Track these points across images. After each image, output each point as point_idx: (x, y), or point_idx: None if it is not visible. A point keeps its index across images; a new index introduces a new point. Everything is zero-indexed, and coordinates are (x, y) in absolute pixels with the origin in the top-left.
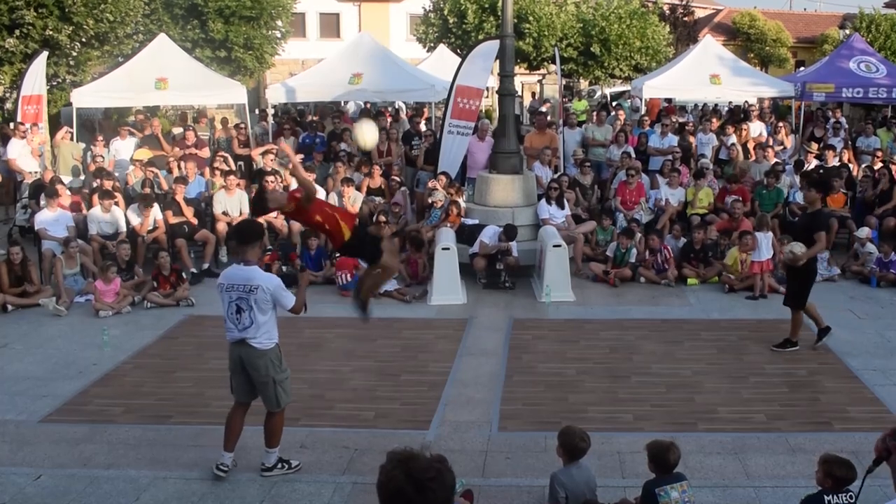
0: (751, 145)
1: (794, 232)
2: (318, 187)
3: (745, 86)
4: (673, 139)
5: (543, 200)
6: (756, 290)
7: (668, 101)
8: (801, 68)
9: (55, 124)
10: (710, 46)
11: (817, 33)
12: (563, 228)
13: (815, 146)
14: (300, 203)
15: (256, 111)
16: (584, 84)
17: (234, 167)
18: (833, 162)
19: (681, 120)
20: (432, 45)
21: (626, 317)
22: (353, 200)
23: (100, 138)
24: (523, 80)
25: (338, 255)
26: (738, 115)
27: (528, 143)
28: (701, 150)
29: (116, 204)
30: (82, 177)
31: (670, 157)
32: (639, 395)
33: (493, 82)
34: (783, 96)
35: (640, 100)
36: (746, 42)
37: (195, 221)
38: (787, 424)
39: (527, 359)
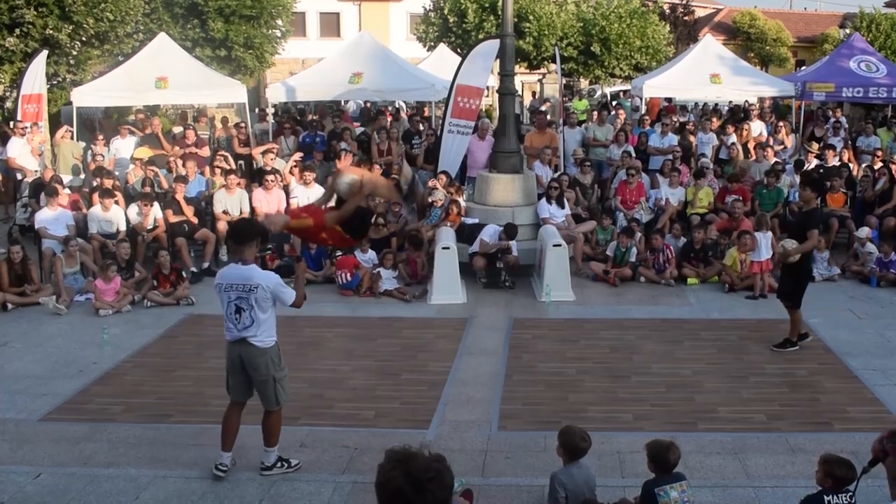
0: (751, 145)
1: (790, 230)
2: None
3: (746, 85)
4: (673, 138)
5: (543, 200)
6: (756, 290)
7: (669, 100)
8: (802, 68)
9: (55, 123)
10: (710, 46)
11: (817, 33)
12: (564, 228)
13: (815, 146)
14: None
15: (256, 110)
16: (584, 83)
17: (234, 166)
18: (833, 161)
19: (682, 119)
20: (432, 44)
21: (626, 316)
22: None
23: (100, 137)
24: (523, 80)
25: (339, 254)
26: (738, 115)
27: (529, 143)
28: (701, 150)
29: (116, 203)
30: (82, 176)
31: (670, 156)
32: (639, 395)
33: (494, 81)
34: (783, 96)
35: (641, 99)
36: (747, 41)
37: (195, 220)
38: (787, 424)
39: (527, 358)
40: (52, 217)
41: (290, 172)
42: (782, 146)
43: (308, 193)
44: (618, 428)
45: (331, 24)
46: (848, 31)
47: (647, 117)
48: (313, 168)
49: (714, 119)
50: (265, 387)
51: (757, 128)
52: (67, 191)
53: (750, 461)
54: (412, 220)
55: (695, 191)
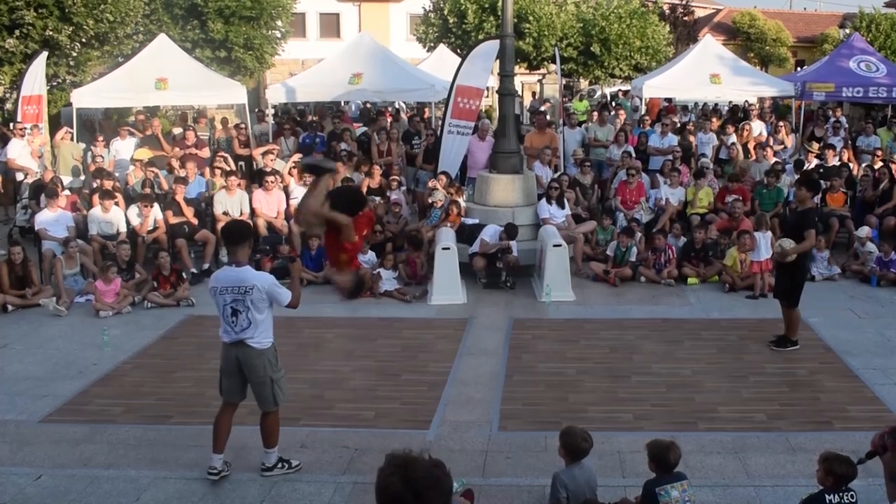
0: (751, 145)
1: (786, 229)
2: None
3: (746, 85)
4: (673, 139)
5: (544, 200)
6: (756, 290)
7: (669, 100)
8: (801, 68)
9: (55, 124)
10: (710, 46)
11: (817, 33)
12: (564, 228)
13: (815, 145)
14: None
15: (256, 111)
16: (584, 84)
17: (233, 167)
18: (833, 161)
19: (683, 119)
20: (432, 45)
21: (627, 316)
22: None
23: (100, 138)
24: (523, 80)
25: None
26: (737, 115)
27: (529, 143)
28: (701, 150)
29: (117, 204)
30: (82, 177)
31: (671, 156)
32: (639, 395)
33: (494, 82)
34: (783, 96)
35: (640, 99)
36: (746, 41)
37: (195, 221)
38: (787, 424)
39: (527, 358)
40: (52, 218)
41: (290, 173)
42: (782, 146)
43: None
44: (618, 428)
45: (331, 24)
46: (848, 31)
47: (647, 117)
48: None
49: (714, 119)
50: (263, 388)
51: (757, 128)
52: (67, 192)
53: (750, 460)
54: (412, 220)
55: (695, 191)
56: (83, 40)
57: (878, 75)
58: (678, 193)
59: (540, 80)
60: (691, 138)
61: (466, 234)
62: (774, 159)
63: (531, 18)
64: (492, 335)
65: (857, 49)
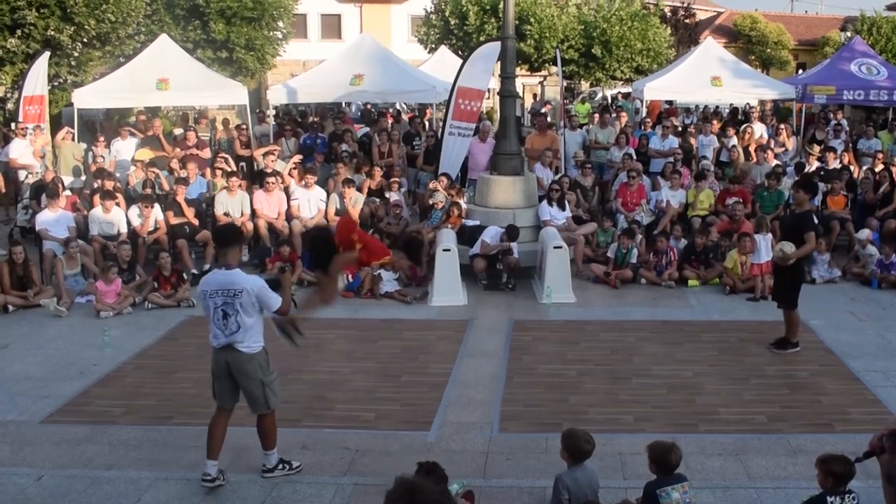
0: (752, 147)
1: (784, 232)
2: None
3: (747, 88)
4: (674, 141)
5: (545, 202)
6: (756, 292)
7: (670, 103)
8: (803, 70)
9: (56, 125)
10: (711, 48)
11: (818, 36)
12: (564, 230)
13: (816, 148)
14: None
15: (257, 112)
16: (585, 86)
17: (234, 168)
18: (834, 164)
19: (686, 122)
20: (433, 46)
21: (627, 318)
22: (355, 201)
23: (101, 139)
24: (524, 82)
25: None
26: (737, 118)
27: (530, 145)
28: (702, 152)
29: (117, 205)
30: (83, 177)
31: (671, 158)
32: (640, 397)
33: (495, 84)
34: (784, 98)
35: (641, 102)
36: (747, 44)
37: (196, 222)
38: (788, 426)
39: (527, 360)
40: (53, 219)
41: (290, 174)
42: (783, 149)
43: (308, 195)
44: (619, 430)
45: (332, 25)
46: (849, 34)
47: (648, 119)
48: (315, 170)
49: (715, 121)
50: (254, 392)
51: (758, 130)
52: (68, 192)
53: (751, 462)
54: (413, 221)
55: (696, 193)
56: (84, 40)
57: (879, 78)
58: (679, 196)
59: (541, 82)
60: (692, 140)
61: (467, 236)
62: (775, 162)
63: (532, 20)
64: (492, 337)
65: (859, 52)
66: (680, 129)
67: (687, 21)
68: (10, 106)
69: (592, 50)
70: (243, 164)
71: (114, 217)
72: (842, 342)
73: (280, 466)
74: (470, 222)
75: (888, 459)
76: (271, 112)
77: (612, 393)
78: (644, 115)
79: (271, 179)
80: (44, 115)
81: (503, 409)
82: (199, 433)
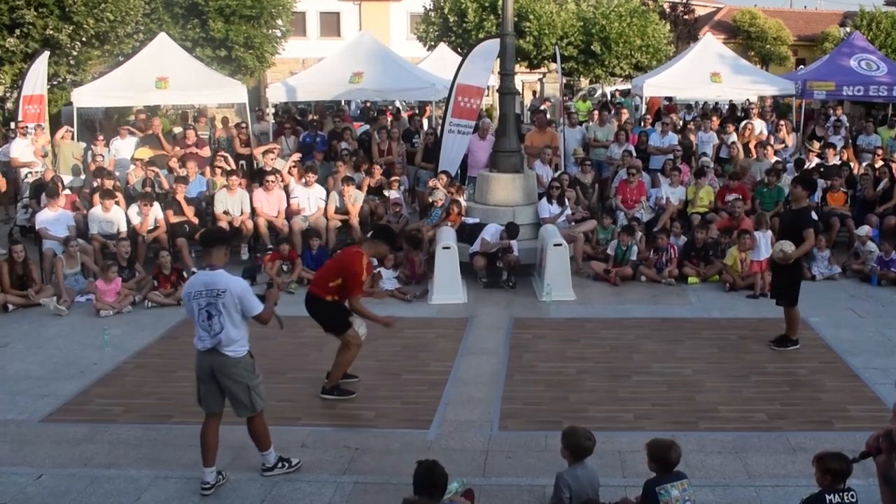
0: (752, 144)
1: (782, 228)
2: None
3: (746, 84)
4: (673, 138)
5: (544, 199)
6: (756, 289)
7: (669, 99)
8: (802, 66)
9: (56, 124)
10: (710, 45)
11: (818, 31)
12: (564, 227)
13: (816, 144)
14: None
15: (256, 110)
16: (584, 82)
17: (234, 166)
18: (834, 160)
19: (687, 118)
20: (433, 43)
21: (627, 316)
22: (354, 199)
23: (100, 137)
24: (524, 79)
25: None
26: (735, 114)
27: (529, 142)
28: (702, 149)
29: (117, 203)
30: (83, 176)
31: (671, 155)
32: (639, 395)
33: (494, 81)
34: (784, 94)
35: (641, 98)
36: (747, 40)
37: (196, 221)
38: (787, 423)
39: (527, 358)
40: (53, 218)
41: (290, 173)
42: (783, 145)
43: (308, 193)
44: (619, 427)
45: (331, 23)
46: (848, 29)
47: (647, 116)
48: (315, 169)
49: (714, 118)
50: (240, 395)
51: (758, 127)
52: (67, 191)
53: (751, 460)
54: (413, 219)
55: (695, 190)
56: (83, 39)
57: (878, 74)
58: (679, 192)
59: (540, 79)
60: (692, 137)
61: (467, 234)
62: (775, 158)
63: (531, 17)
64: (492, 334)
65: (858, 47)
66: (679, 125)
67: (686, 17)
68: (9, 105)
69: (592, 46)
70: (243, 162)
71: (113, 216)
72: (842, 339)
73: (279, 465)
74: (470, 220)
75: (884, 460)
76: (270, 110)
77: (612, 391)
78: (643, 111)
79: (271, 178)
80: (43, 115)
81: (503, 407)
82: (198, 432)
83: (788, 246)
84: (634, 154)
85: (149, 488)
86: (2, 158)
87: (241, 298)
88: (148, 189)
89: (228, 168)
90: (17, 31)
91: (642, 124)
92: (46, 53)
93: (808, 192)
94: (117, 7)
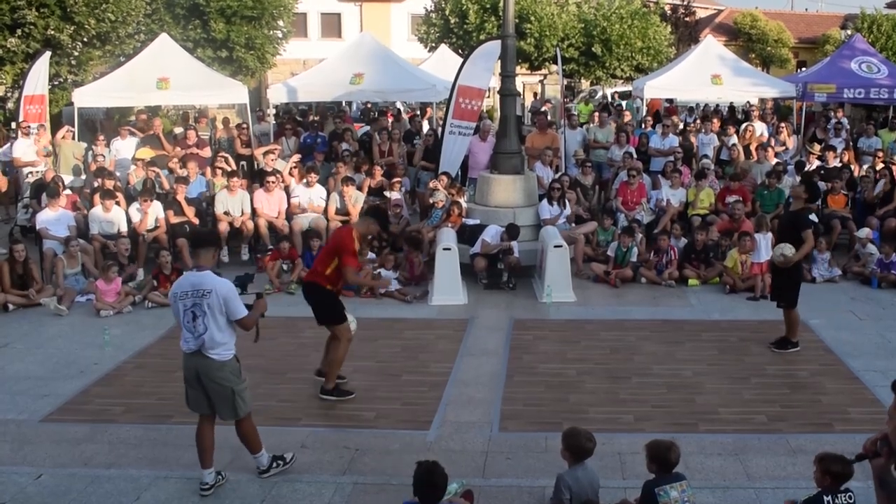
0: (753, 146)
1: (780, 229)
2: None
3: (747, 86)
4: (674, 140)
5: (545, 201)
6: (757, 291)
7: (670, 101)
8: (803, 69)
9: (56, 124)
10: (711, 47)
11: (819, 34)
12: (564, 230)
13: (816, 147)
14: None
15: (257, 111)
16: (585, 84)
17: (234, 167)
18: (834, 163)
19: (688, 120)
20: (434, 45)
21: (627, 317)
22: (354, 200)
23: (101, 138)
24: (525, 81)
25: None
26: (735, 116)
27: (530, 144)
28: (702, 151)
29: (118, 204)
30: (83, 176)
31: (671, 157)
32: (639, 396)
33: (495, 82)
34: (784, 97)
35: (641, 100)
36: (748, 42)
37: (196, 221)
38: (787, 425)
39: (527, 359)
40: (54, 218)
41: (290, 173)
42: (784, 147)
43: (310, 194)
44: (619, 429)
45: (332, 24)
46: (849, 31)
47: (648, 118)
48: (317, 169)
49: (715, 120)
50: (224, 398)
51: (758, 129)
52: (68, 191)
53: (751, 462)
54: (413, 220)
55: (696, 192)
56: (85, 40)
57: (879, 76)
58: (679, 194)
59: (541, 81)
60: (692, 139)
61: (467, 235)
62: (776, 160)
63: (532, 19)
64: (492, 336)
65: (859, 50)
66: (680, 127)
67: (687, 19)
68: (10, 105)
69: (593, 48)
70: (243, 163)
71: (114, 216)
72: (842, 341)
73: (274, 464)
74: (470, 221)
75: (882, 464)
76: (271, 111)
77: (612, 392)
78: (644, 113)
79: (271, 178)
80: (44, 115)
81: (503, 408)
82: None
83: (788, 249)
84: (635, 156)
85: (149, 488)
86: (2, 158)
87: (226, 300)
88: (148, 187)
89: (229, 169)
90: (19, 32)
91: (643, 126)
92: (48, 54)
93: (808, 195)
94: (118, 7)
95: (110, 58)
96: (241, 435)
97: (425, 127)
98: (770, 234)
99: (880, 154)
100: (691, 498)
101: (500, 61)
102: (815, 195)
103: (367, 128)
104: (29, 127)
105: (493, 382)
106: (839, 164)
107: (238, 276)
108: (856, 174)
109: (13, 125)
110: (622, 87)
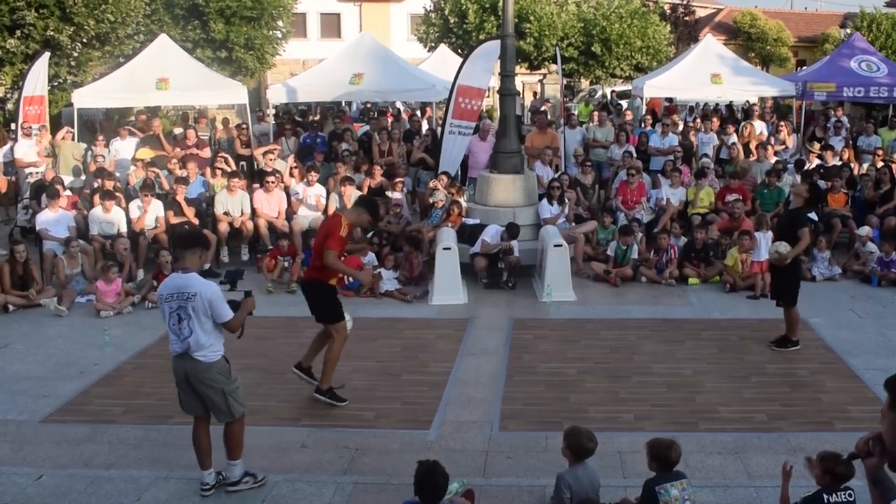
0: (752, 145)
1: (779, 229)
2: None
3: (746, 85)
4: (674, 139)
5: (545, 200)
6: (757, 290)
7: (670, 100)
8: (802, 67)
9: (56, 125)
10: (710, 46)
11: (818, 32)
12: (564, 229)
13: (816, 146)
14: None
15: (256, 111)
16: (584, 83)
17: (234, 167)
18: (833, 161)
19: (688, 119)
20: (433, 44)
21: (627, 316)
22: (354, 200)
23: (100, 138)
24: (524, 80)
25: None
26: (734, 115)
27: (529, 143)
28: (702, 150)
29: (118, 204)
30: (83, 177)
31: (671, 156)
32: (640, 395)
33: (495, 82)
34: (784, 96)
35: (641, 99)
36: (747, 41)
37: (196, 221)
38: (788, 424)
39: (528, 358)
40: (53, 218)
41: (290, 174)
42: (783, 146)
43: (310, 192)
44: (619, 428)
45: (331, 24)
46: (849, 30)
47: (648, 117)
48: (318, 169)
49: (715, 119)
50: (215, 400)
51: (758, 128)
52: (68, 192)
53: (751, 461)
54: (413, 220)
55: (696, 191)
56: (84, 40)
57: (878, 75)
58: (679, 193)
59: (541, 80)
60: (692, 138)
61: (467, 235)
62: (775, 159)
63: (532, 18)
64: (492, 335)
65: (858, 49)
66: (680, 126)
67: (686, 18)
68: (9, 106)
69: (592, 48)
70: (243, 163)
71: (114, 217)
72: (842, 340)
73: (245, 479)
74: (470, 221)
75: (875, 463)
76: (271, 111)
77: (612, 391)
78: (644, 112)
79: (271, 179)
80: (44, 116)
81: (503, 407)
82: None
83: (783, 247)
84: (635, 155)
85: (149, 489)
86: (3, 159)
87: (212, 302)
88: (149, 184)
89: (229, 169)
90: (18, 33)
91: (643, 125)
92: (47, 54)
93: (809, 195)
94: (118, 8)
95: (110, 58)
96: (228, 435)
97: (424, 127)
98: (770, 233)
99: (880, 153)
100: (692, 496)
101: (499, 61)
102: (817, 198)
103: (367, 128)
104: (30, 128)
105: (494, 382)
106: (839, 163)
107: (228, 272)
108: (855, 173)
109: (13, 126)
110: (621, 87)
